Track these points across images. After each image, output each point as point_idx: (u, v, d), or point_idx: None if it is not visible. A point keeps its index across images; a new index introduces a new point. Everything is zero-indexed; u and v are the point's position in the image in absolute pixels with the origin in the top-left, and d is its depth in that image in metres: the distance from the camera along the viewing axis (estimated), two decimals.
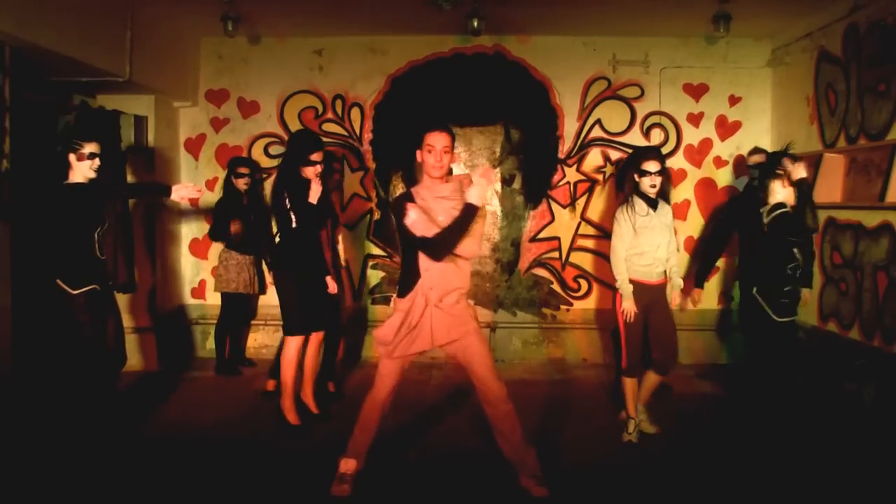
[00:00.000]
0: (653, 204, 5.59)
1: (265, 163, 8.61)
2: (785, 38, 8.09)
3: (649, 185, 5.53)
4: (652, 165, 5.53)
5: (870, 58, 6.58)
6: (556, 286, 8.59)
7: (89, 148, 5.23)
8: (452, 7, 6.98)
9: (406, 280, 4.55)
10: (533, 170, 8.54)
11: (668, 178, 5.76)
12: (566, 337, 8.63)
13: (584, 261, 8.59)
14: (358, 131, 8.64)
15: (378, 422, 4.69)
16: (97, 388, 5.42)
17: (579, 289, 8.63)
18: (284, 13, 7.72)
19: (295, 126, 8.58)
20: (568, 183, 8.55)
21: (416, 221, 4.39)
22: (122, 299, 7.64)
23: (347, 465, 4.68)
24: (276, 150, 8.58)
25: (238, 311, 7.88)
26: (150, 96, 7.93)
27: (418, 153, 4.52)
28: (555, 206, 8.53)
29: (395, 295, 4.67)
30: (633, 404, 5.77)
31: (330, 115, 8.64)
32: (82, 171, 5.24)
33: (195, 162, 8.71)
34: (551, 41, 8.46)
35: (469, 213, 4.38)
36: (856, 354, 6.64)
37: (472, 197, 4.38)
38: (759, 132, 8.46)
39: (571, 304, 8.63)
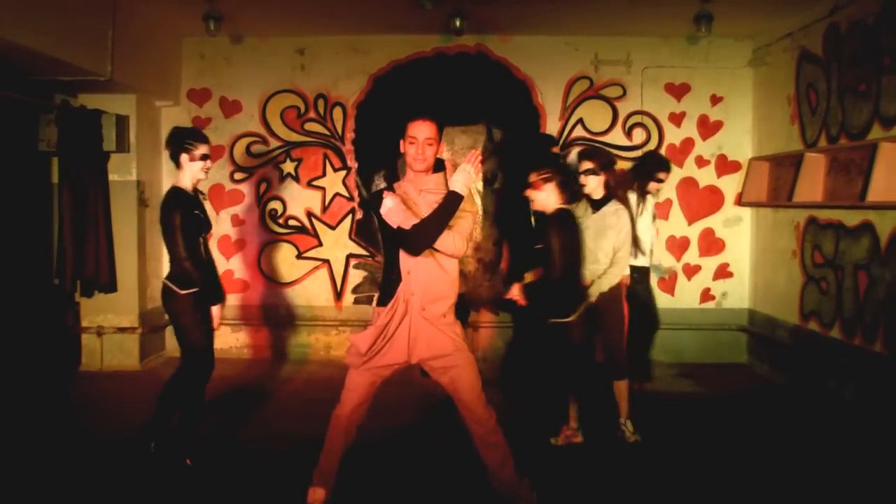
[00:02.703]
0: (596, 205, 5.58)
1: (248, 162, 8.63)
2: (766, 38, 8.15)
3: (581, 184, 5.55)
4: (580, 165, 5.55)
5: (850, 58, 6.61)
6: None
7: (202, 149, 5.14)
8: (435, 6, 7.00)
9: (387, 285, 4.18)
10: (515, 169, 8.53)
11: (613, 179, 5.67)
12: None
13: None
14: (340, 131, 8.65)
15: (343, 447, 4.27)
16: (194, 390, 5.28)
17: None
18: (266, 13, 7.75)
19: (277, 125, 8.62)
20: None
21: (393, 210, 4.01)
22: (107, 299, 7.82)
23: (315, 495, 4.25)
24: (259, 149, 8.62)
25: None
26: (131, 96, 7.91)
27: (402, 144, 4.15)
28: None
29: (375, 300, 4.32)
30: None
31: (312, 114, 8.65)
32: (192, 171, 5.14)
33: None
34: (534, 41, 8.48)
35: (452, 202, 3.97)
36: (837, 353, 6.67)
37: (456, 185, 3.99)
38: (740, 132, 8.53)
39: None
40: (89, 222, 7.48)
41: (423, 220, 3.98)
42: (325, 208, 8.71)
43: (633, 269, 6.75)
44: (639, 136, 8.52)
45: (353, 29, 8.34)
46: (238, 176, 8.68)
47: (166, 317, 8.34)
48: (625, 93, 8.54)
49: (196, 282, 5.04)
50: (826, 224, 7.00)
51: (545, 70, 8.53)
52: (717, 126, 8.54)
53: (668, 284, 8.53)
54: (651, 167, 6.98)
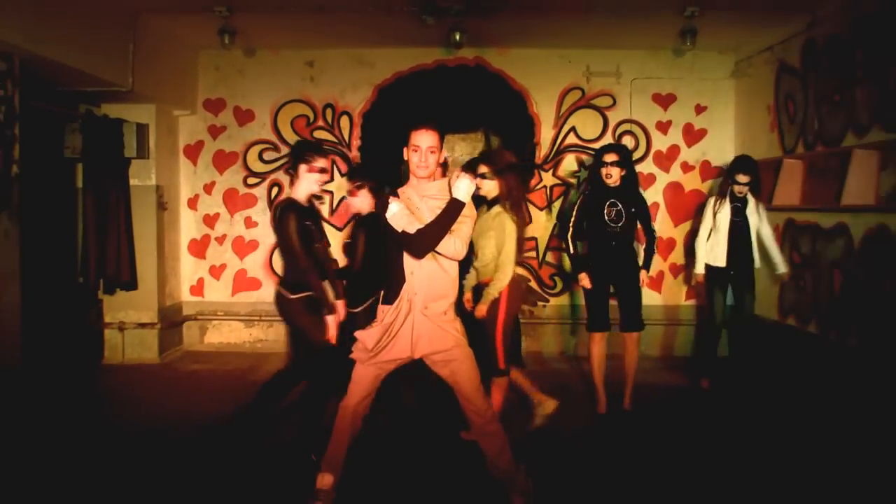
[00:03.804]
0: (489, 206, 5.49)
1: (260, 168, 8.88)
2: (747, 51, 8.34)
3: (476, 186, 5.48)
4: (478, 168, 5.45)
5: (826, 70, 6.80)
6: (533, 284, 8.62)
7: (321, 163, 5.17)
8: (436, 21, 7.20)
9: (391, 285, 4.26)
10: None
11: (506, 184, 5.44)
12: (543, 331, 8.91)
13: (559, 260, 8.87)
14: (347, 138, 8.87)
15: (349, 436, 4.33)
16: (317, 390, 5.37)
17: (555, 286, 8.92)
18: (278, 27, 7.94)
19: (288, 133, 8.82)
20: (545, 187, 8.80)
21: (397, 215, 4.09)
22: (128, 296, 8.05)
23: (324, 480, 4.31)
24: (270, 155, 8.86)
25: None
26: (151, 105, 8.13)
27: (405, 151, 4.23)
28: (532, 209, 8.55)
29: (380, 299, 4.39)
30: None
31: (321, 122, 8.87)
32: (308, 183, 5.17)
33: (193, 167, 8.93)
34: (529, 53, 8.68)
35: (454, 209, 4.09)
36: (813, 347, 6.85)
37: (458, 192, 4.10)
38: (723, 139, 8.73)
39: (548, 301, 8.85)
40: (111, 224, 7.70)
41: (426, 226, 4.08)
42: (332, 211, 8.91)
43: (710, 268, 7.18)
44: (628, 143, 8.68)
45: (359, 42, 8.55)
46: (251, 181, 8.89)
47: (184, 313, 8.88)
48: (614, 102, 8.78)
49: (312, 287, 5.05)
50: (803, 225, 7.19)
51: (540, 81, 8.75)
52: (702, 134, 8.79)
53: (656, 283, 8.77)
54: (733, 169, 7.11)
